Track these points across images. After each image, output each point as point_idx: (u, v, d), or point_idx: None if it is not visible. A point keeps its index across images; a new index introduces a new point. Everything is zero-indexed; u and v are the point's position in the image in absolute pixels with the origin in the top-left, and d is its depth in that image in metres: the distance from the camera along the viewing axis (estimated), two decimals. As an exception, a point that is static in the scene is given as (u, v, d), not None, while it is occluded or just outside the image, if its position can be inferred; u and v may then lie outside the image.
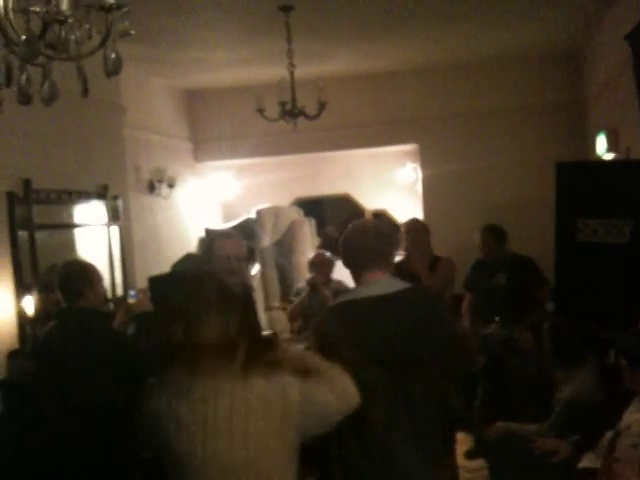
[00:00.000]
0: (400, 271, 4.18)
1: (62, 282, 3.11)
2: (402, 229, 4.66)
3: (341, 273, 5.41)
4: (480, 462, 4.42)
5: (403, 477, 2.37)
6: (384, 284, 2.40)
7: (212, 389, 1.92)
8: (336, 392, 2.02)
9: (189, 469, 1.93)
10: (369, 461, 2.36)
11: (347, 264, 2.48)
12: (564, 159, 4.57)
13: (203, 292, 2.08)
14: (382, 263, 2.42)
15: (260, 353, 2.01)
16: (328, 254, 5.48)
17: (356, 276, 2.46)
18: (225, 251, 3.05)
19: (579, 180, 4.06)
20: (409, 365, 2.34)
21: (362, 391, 2.09)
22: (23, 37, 1.77)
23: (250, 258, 5.57)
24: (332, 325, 2.36)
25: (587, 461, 3.09)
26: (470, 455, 4.85)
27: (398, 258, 4.29)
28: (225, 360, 1.94)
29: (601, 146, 5.84)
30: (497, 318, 4.76)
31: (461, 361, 2.49)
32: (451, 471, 4.61)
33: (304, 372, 2.03)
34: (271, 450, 1.93)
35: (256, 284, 5.00)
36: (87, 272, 3.16)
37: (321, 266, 5.25)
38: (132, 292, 3.89)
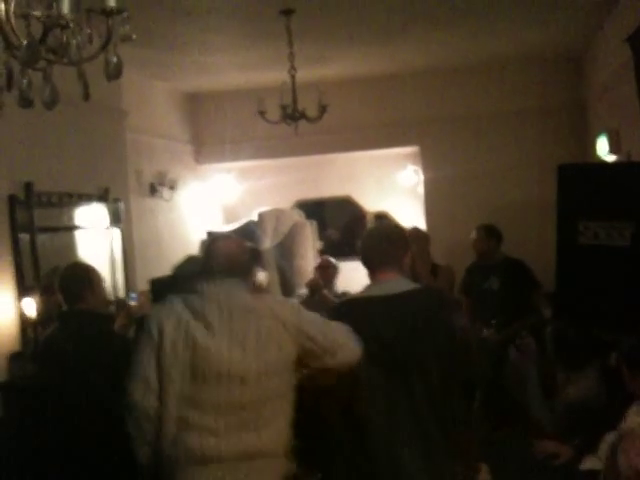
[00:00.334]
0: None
1: (63, 284, 3.11)
2: None
3: (347, 280, 5.46)
4: (481, 465, 4.41)
5: (404, 477, 2.37)
6: (392, 284, 2.48)
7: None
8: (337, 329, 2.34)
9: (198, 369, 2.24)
10: (370, 461, 2.37)
11: (363, 264, 2.60)
12: (565, 161, 4.56)
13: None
14: (393, 264, 2.52)
15: None
16: (333, 260, 5.49)
17: (370, 276, 2.59)
18: (224, 253, 3.02)
19: (581, 182, 4.05)
20: (408, 365, 2.36)
21: (361, 389, 2.20)
22: (24, 41, 1.78)
23: (254, 261, 5.55)
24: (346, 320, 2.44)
25: (589, 464, 3.09)
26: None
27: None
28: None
29: (602, 148, 5.84)
30: (493, 321, 4.76)
31: (466, 366, 2.48)
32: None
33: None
34: (274, 357, 2.26)
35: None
36: (88, 275, 3.16)
37: (325, 269, 5.25)
38: (133, 295, 3.90)
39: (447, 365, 2.41)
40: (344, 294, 4.99)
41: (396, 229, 2.78)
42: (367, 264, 2.60)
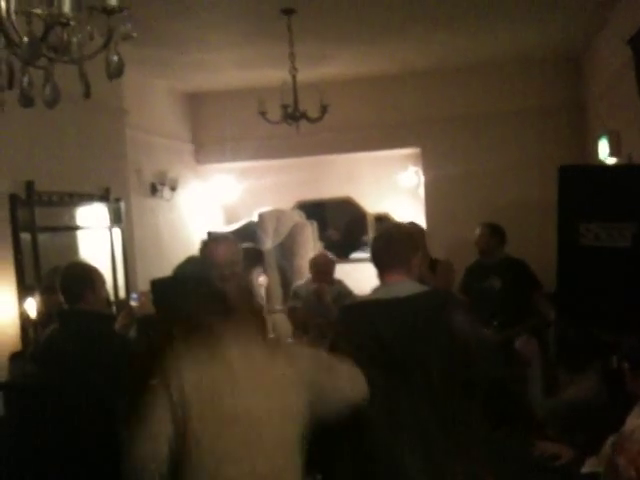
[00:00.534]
0: None
1: (64, 284, 3.10)
2: None
3: (340, 274, 5.46)
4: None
5: (405, 477, 2.37)
6: (399, 287, 2.48)
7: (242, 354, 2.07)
8: (346, 379, 2.19)
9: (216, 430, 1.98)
10: (371, 461, 2.37)
11: (373, 265, 2.59)
12: (565, 162, 4.55)
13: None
14: (401, 266, 2.50)
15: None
16: (330, 255, 5.47)
17: (379, 277, 2.58)
18: (217, 257, 2.90)
19: (581, 184, 4.05)
20: (408, 366, 2.36)
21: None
22: (25, 39, 1.77)
23: (256, 261, 5.53)
24: (342, 325, 2.53)
25: (589, 466, 3.08)
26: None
27: None
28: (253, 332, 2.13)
29: (603, 150, 5.83)
30: (495, 322, 4.76)
31: (466, 366, 2.44)
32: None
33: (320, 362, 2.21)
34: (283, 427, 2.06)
35: (262, 291, 4.98)
36: (89, 274, 3.15)
37: (324, 267, 5.23)
38: (134, 295, 3.89)
39: (447, 365, 2.40)
40: (340, 290, 5.00)
41: (405, 230, 2.75)
42: (376, 265, 2.58)
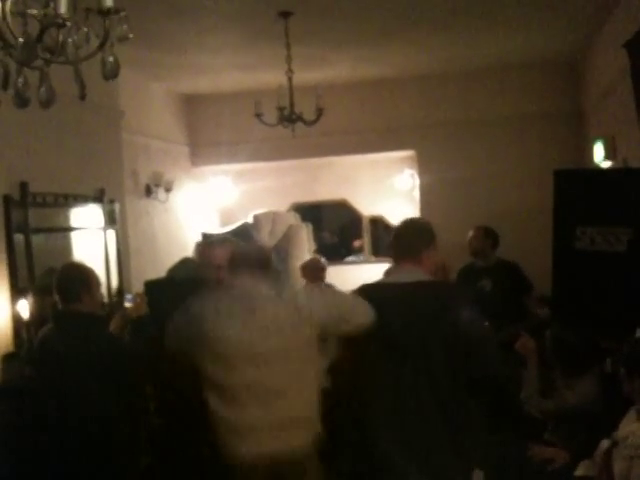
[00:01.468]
0: None
1: (60, 284, 3.08)
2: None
3: (335, 277, 5.46)
4: (475, 469, 4.40)
5: (401, 474, 2.41)
6: (405, 274, 2.61)
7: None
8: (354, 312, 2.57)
9: (222, 359, 2.50)
10: (370, 456, 2.48)
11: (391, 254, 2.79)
12: (562, 167, 4.56)
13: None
14: (412, 255, 2.64)
15: None
16: (322, 259, 5.48)
17: (393, 264, 2.79)
18: (215, 260, 3.08)
19: (577, 188, 4.05)
20: (410, 351, 2.46)
21: (368, 364, 2.45)
22: (21, 40, 1.76)
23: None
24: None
25: (583, 469, 3.08)
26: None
27: None
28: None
29: (599, 154, 5.84)
30: (485, 324, 4.75)
31: (468, 359, 2.49)
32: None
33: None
34: (293, 336, 2.53)
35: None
36: (86, 276, 3.13)
37: (315, 271, 5.24)
38: (129, 296, 3.87)
39: (448, 355, 2.45)
40: None
41: (425, 224, 2.90)
42: (392, 252, 2.75)
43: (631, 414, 2.70)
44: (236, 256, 2.74)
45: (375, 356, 2.52)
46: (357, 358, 2.59)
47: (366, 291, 2.67)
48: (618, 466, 2.55)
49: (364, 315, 2.55)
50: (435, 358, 2.45)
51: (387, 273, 2.82)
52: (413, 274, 2.60)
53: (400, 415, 2.47)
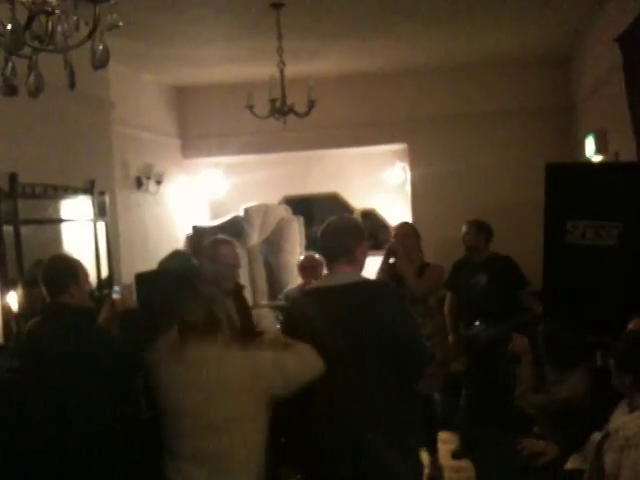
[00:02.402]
0: (391, 273, 4.21)
1: (47, 277, 3.05)
2: (392, 232, 4.66)
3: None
4: (466, 462, 4.42)
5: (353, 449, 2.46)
6: (341, 276, 2.63)
7: (198, 356, 2.47)
8: (304, 359, 2.50)
9: (175, 418, 2.50)
10: (323, 430, 2.51)
11: (322, 256, 2.89)
12: (553, 161, 4.57)
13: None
14: (344, 256, 2.64)
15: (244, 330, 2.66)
16: (317, 256, 5.46)
17: (327, 267, 2.78)
18: (229, 259, 3.39)
19: (568, 182, 4.06)
20: (344, 352, 2.48)
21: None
22: (8, 27, 1.74)
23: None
24: (296, 308, 2.79)
25: (573, 462, 3.10)
26: (456, 455, 4.86)
27: (392, 260, 4.28)
28: (210, 335, 2.50)
29: (590, 148, 5.85)
30: (477, 323, 4.78)
31: (410, 360, 2.59)
32: (434, 470, 4.63)
33: (280, 346, 2.58)
34: (243, 404, 2.45)
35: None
36: (73, 268, 3.11)
37: (312, 269, 5.24)
38: (117, 288, 3.85)
39: (378, 353, 2.49)
40: None
41: (351, 221, 2.91)
42: (324, 256, 2.81)
43: (622, 407, 2.71)
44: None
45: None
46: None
47: (307, 297, 2.74)
48: (609, 458, 2.56)
49: (314, 374, 2.50)
50: (367, 358, 2.49)
51: (324, 276, 2.82)
52: (347, 276, 2.63)
53: (344, 417, 2.49)
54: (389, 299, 2.63)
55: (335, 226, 2.73)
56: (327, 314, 2.53)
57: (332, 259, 2.68)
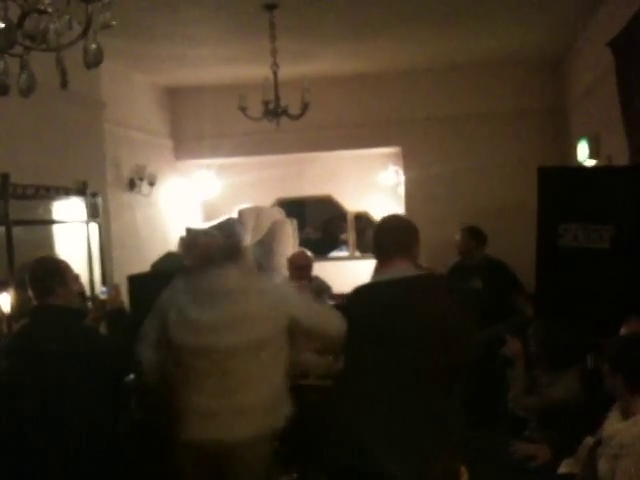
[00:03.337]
0: None
1: (33, 279, 3.02)
2: None
3: (318, 272, 5.44)
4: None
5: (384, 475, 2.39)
6: (403, 270, 2.60)
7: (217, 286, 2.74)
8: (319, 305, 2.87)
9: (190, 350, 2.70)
10: (350, 457, 2.47)
11: (375, 252, 2.74)
12: (546, 164, 4.58)
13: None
14: (404, 252, 2.65)
15: None
16: (308, 253, 5.44)
17: (380, 264, 2.74)
18: (208, 250, 3.19)
19: (561, 185, 4.07)
20: (400, 344, 2.47)
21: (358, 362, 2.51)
22: (1, 25, 1.72)
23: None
24: (350, 302, 2.78)
25: (566, 466, 3.09)
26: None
27: None
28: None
29: (583, 152, 5.87)
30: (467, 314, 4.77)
31: (459, 354, 2.59)
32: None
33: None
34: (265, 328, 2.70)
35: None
36: (59, 269, 3.07)
37: (306, 269, 5.21)
38: (104, 289, 3.84)
39: (432, 346, 2.49)
40: (319, 286, 5.02)
41: (408, 220, 2.91)
42: (380, 253, 2.71)
43: (615, 412, 2.70)
44: (204, 248, 2.88)
45: (363, 346, 2.54)
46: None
47: (362, 292, 2.67)
48: (603, 465, 2.55)
49: (336, 329, 2.63)
50: (420, 351, 2.48)
51: (376, 270, 2.80)
52: (409, 269, 2.63)
53: (384, 401, 2.47)
54: (444, 292, 2.70)
55: (395, 223, 2.79)
56: (392, 304, 2.53)
57: (391, 254, 2.66)
